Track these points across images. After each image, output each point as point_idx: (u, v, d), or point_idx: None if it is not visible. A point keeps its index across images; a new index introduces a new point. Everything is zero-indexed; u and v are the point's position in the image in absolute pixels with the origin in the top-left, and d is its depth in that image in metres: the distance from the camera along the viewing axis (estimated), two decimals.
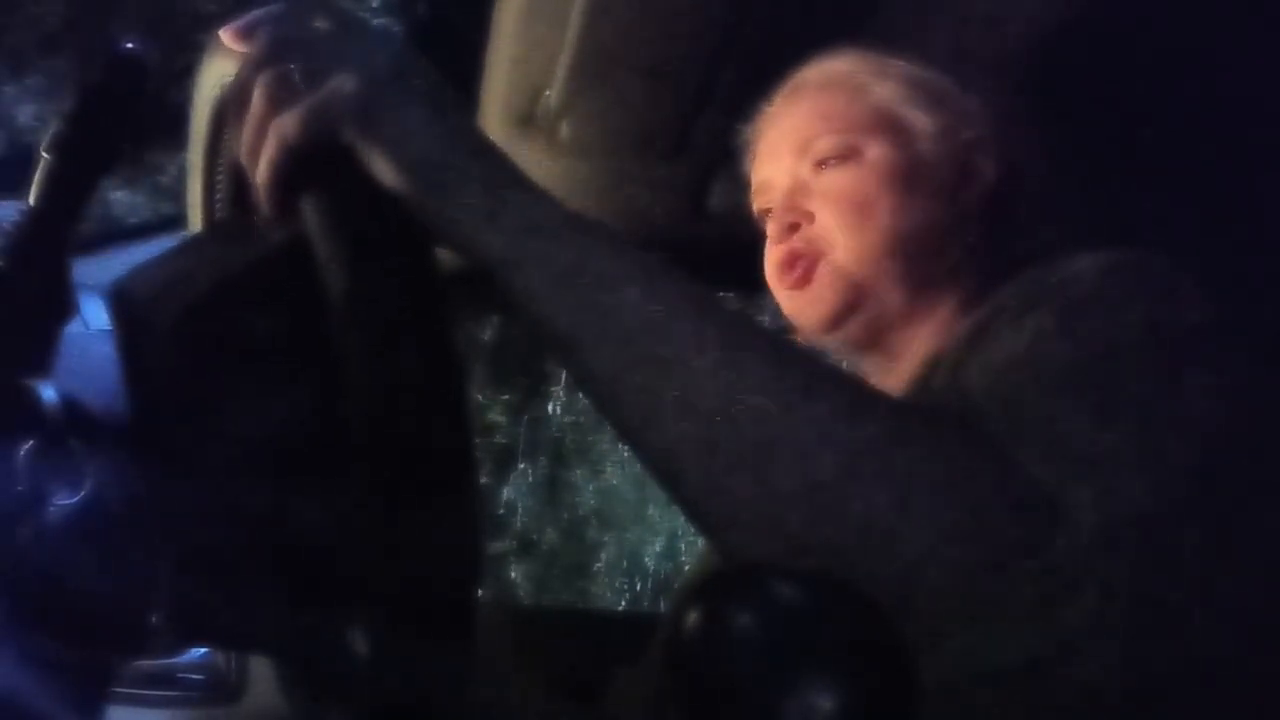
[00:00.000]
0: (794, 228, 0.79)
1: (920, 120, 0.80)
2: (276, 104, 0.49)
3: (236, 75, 0.50)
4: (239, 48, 0.51)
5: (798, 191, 0.81)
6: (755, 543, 0.48)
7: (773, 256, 0.81)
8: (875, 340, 0.80)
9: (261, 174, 0.49)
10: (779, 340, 0.52)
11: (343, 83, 0.49)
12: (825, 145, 0.80)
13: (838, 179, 0.79)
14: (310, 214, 0.48)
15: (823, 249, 0.78)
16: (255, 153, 0.49)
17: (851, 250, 0.77)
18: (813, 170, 0.80)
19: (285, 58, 0.49)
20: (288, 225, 0.49)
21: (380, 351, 0.47)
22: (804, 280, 0.79)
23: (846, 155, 0.79)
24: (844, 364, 0.84)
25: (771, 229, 0.82)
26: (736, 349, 0.49)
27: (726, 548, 0.51)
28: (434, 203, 0.49)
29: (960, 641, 0.47)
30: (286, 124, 0.48)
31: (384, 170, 0.49)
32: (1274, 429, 0.56)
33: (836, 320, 0.79)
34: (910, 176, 0.78)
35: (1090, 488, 0.49)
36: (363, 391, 0.46)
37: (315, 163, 0.48)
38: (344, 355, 0.46)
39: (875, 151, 0.79)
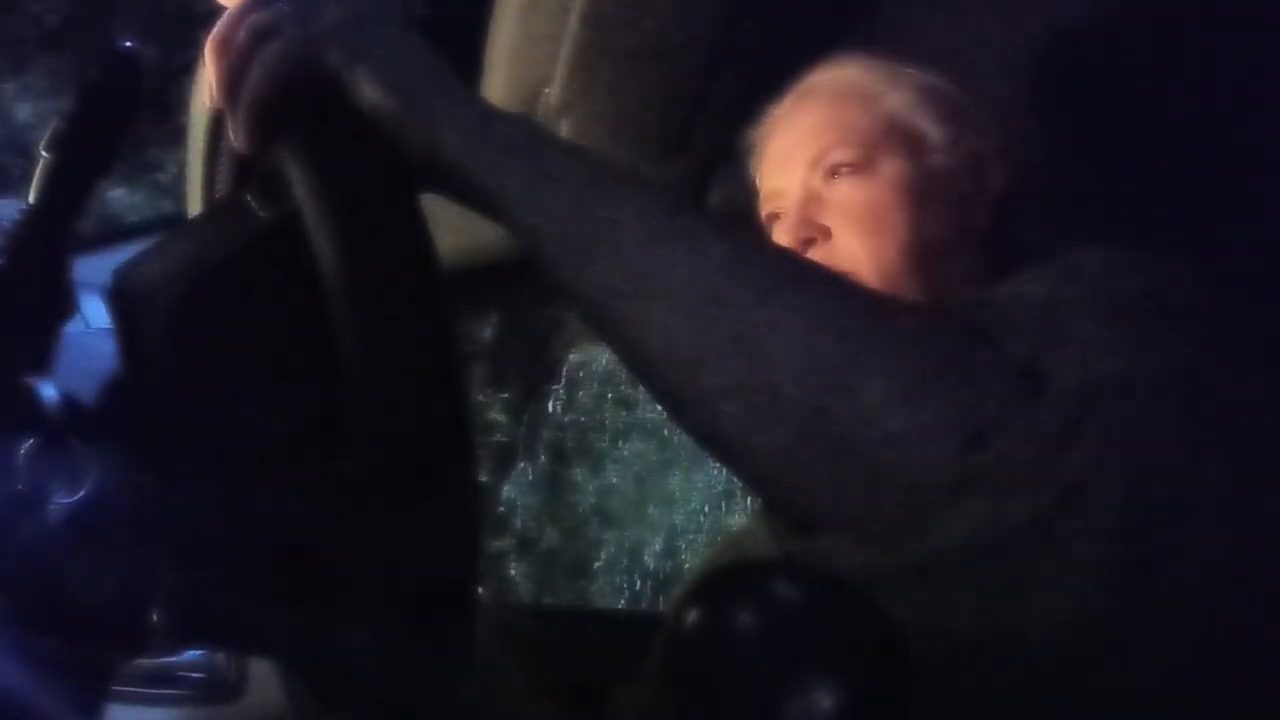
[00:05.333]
0: (810, 243, 0.80)
1: (932, 131, 0.81)
2: (265, 37, 0.50)
3: (224, 17, 0.52)
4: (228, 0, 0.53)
5: (811, 203, 0.81)
6: (750, 423, 0.49)
7: None
8: None
9: (247, 100, 0.50)
10: (766, 241, 0.53)
11: (329, 17, 0.51)
12: (839, 156, 0.80)
13: (853, 193, 0.79)
14: (291, 148, 0.48)
15: (842, 265, 0.78)
16: (236, 85, 0.50)
17: (870, 265, 0.78)
18: (825, 180, 0.81)
19: (274, 2, 0.51)
20: (266, 164, 0.49)
21: (372, 317, 0.46)
22: None
23: (860, 167, 0.80)
24: None
25: (785, 240, 0.82)
26: (738, 253, 0.52)
27: (719, 436, 0.51)
28: (422, 120, 0.50)
29: (958, 512, 0.47)
30: (274, 52, 0.50)
31: (370, 92, 0.50)
32: (1256, 411, 0.55)
33: None
34: (925, 189, 0.79)
35: (1071, 355, 0.50)
36: (361, 385, 0.46)
37: (300, 92, 0.49)
38: (338, 329, 0.45)
39: (890, 164, 0.79)
